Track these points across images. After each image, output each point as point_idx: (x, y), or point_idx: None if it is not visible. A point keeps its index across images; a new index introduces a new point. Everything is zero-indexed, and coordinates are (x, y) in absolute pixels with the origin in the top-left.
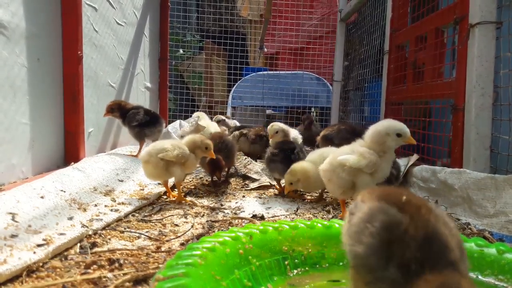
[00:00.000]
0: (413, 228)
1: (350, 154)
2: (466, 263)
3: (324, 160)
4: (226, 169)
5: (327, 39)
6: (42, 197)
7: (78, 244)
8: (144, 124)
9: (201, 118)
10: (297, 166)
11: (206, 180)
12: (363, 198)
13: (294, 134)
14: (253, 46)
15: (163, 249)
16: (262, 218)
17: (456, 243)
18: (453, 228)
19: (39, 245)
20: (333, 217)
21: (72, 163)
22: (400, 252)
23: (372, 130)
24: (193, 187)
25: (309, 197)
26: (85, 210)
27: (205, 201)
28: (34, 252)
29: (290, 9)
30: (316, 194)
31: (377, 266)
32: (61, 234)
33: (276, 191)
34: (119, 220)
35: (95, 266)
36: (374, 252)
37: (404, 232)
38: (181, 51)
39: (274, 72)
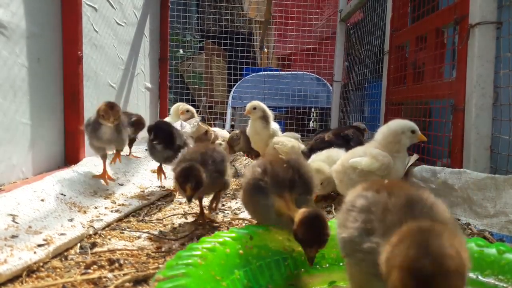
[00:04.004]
0: (394, 198)
1: (362, 155)
2: (459, 231)
3: (331, 162)
4: (216, 195)
5: (334, 40)
6: (42, 200)
7: (78, 244)
8: None
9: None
10: (322, 165)
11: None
12: (350, 193)
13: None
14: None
15: (163, 249)
16: None
17: (446, 215)
18: (442, 204)
19: (39, 245)
20: (333, 217)
21: (73, 165)
22: (382, 221)
23: (385, 130)
24: None
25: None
26: (85, 212)
27: (205, 201)
28: (35, 252)
29: (298, 10)
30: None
31: (364, 242)
32: (62, 234)
33: None
34: (119, 220)
35: (95, 266)
36: (359, 232)
37: (384, 205)
38: (181, 51)
39: (274, 72)
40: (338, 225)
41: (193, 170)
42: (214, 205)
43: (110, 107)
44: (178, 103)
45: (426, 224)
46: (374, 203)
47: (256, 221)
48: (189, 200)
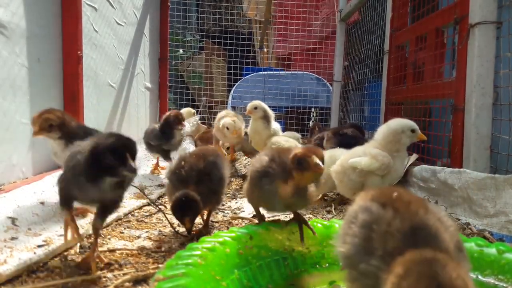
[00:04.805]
0: (399, 221)
1: (362, 155)
2: (464, 261)
3: (334, 161)
4: (207, 212)
5: (333, 40)
6: (42, 203)
7: (78, 244)
8: None
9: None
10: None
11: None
12: (357, 200)
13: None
14: (257, 47)
15: (163, 249)
16: None
17: (452, 239)
18: (450, 226)
19: (39, 246)
20: (333, 217)
21: None
22: (382, 244)
23: (385, 130)
24: None
25: None
26: (83, 216)
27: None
28: (34, 253)
29: (296, 9)
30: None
31: (360, 262)
32: (61, 235)
33: None
34: (119, 219)
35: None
36: (358, 250)
37: (387, 226)
38: (181, 51)
39: (274, 72)
40: (338, 236)
41: (191, 202)
42: (205, 220)
43: (39, 113)
44: (189, 108)
45: (429, 254)
46: (377, 220)
47: (257, 221)
48: (189, 232)
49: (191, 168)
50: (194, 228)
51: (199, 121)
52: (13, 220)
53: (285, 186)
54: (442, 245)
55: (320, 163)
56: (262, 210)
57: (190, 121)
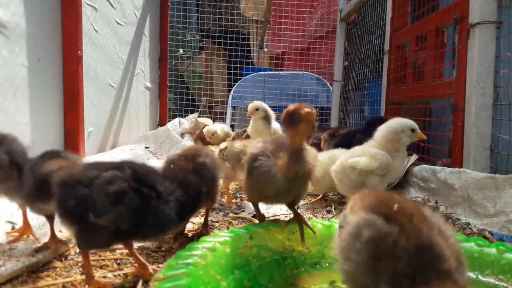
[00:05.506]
0: (404, 239)
1: (361, 155)
2: (464, 273)
3: (334, 161)
4: (205, 212)
5: (328, 39)
6: None
7: None
8: None
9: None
10: None
11: None
12: (353, 207)
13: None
14: (257, 46)
15: (163, 249)
16: None
17: (453, 253)
18: (450, 237)
19: (37, 251)
20: (333, 217)
21: None
22: (390, 266)
23: (385, 129)
24: None
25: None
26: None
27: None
28: (33, 255)
29: (291, 9)
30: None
31: (368, 283)
32: (60, 241)
33: None
34: None
35: (95, 266)
36: (363, 269)
37: (393, 245)
38: (181, 51)
39: (274, 72)
40: (338, 250)
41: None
42: (204, 220)
43: None
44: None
45: None
46: (383, 238)
47: (257, 221)
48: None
49: (180, 169)
50: (193, 228)
51: (198, 118)
52: (13, 226)
53: (283, 157)
54: (446, 264)
55: (310, 110)
56: (263, 210)
57: (189, 118)
